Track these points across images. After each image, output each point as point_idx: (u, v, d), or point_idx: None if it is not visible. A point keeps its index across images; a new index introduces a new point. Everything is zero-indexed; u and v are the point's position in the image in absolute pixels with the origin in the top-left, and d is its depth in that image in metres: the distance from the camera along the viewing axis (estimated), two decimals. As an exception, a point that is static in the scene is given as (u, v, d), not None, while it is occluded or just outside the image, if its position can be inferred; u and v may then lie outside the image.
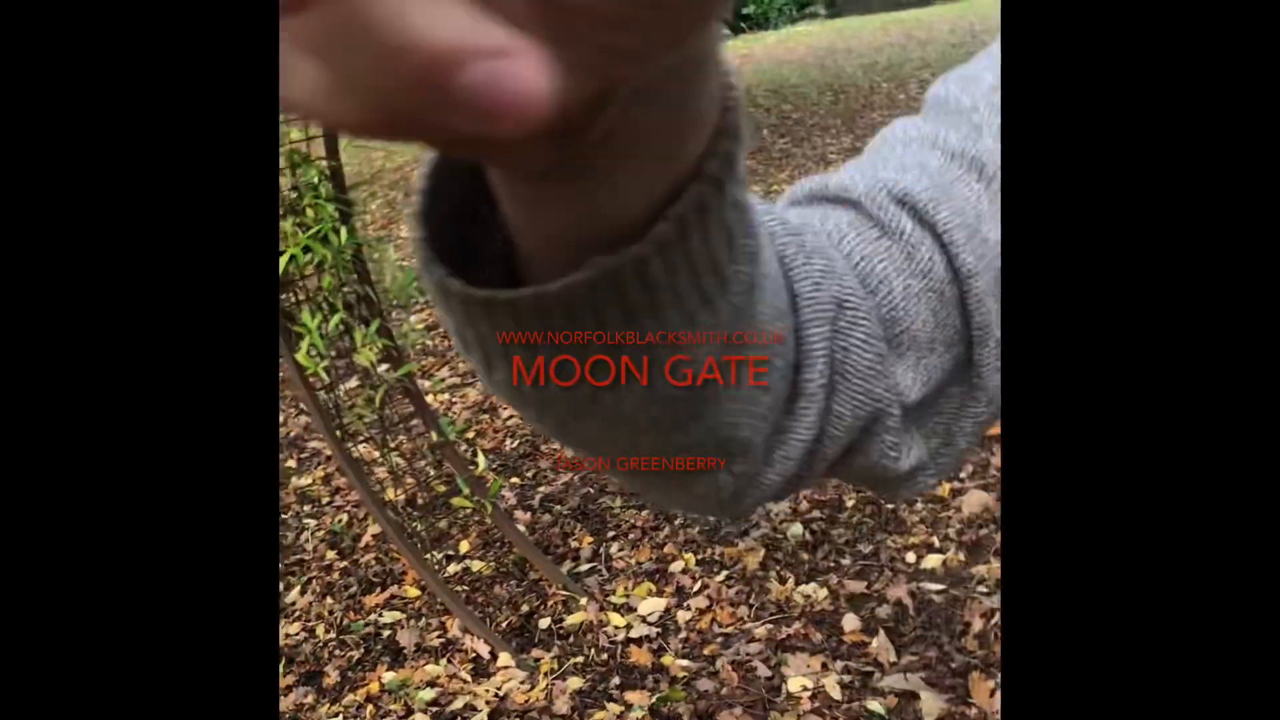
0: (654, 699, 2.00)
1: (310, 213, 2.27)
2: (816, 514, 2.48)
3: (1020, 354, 0.55)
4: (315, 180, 2.27)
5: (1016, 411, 0.54)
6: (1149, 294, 0.52)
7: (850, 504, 2.49)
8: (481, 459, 2.67)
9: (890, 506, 2.46)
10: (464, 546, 2.54)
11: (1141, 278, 0.52)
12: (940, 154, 0.53)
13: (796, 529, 2.43)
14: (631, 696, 2.03)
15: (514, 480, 2.84)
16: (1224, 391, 0.52)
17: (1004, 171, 0.49)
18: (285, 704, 2.15)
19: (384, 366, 2.39)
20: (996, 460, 2.48)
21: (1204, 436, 0.51)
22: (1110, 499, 0.55)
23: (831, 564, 2.32)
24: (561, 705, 2.02)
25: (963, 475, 2.50)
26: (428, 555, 2.40)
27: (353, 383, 2.55)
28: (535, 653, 2.18)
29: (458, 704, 2.07)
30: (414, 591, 2.44)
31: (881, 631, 2.10)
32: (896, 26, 13.42)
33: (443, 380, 3.50)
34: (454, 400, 3.33)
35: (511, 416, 3.04)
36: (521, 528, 2.51)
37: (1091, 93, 0.53)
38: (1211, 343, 0.52)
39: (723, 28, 0.29)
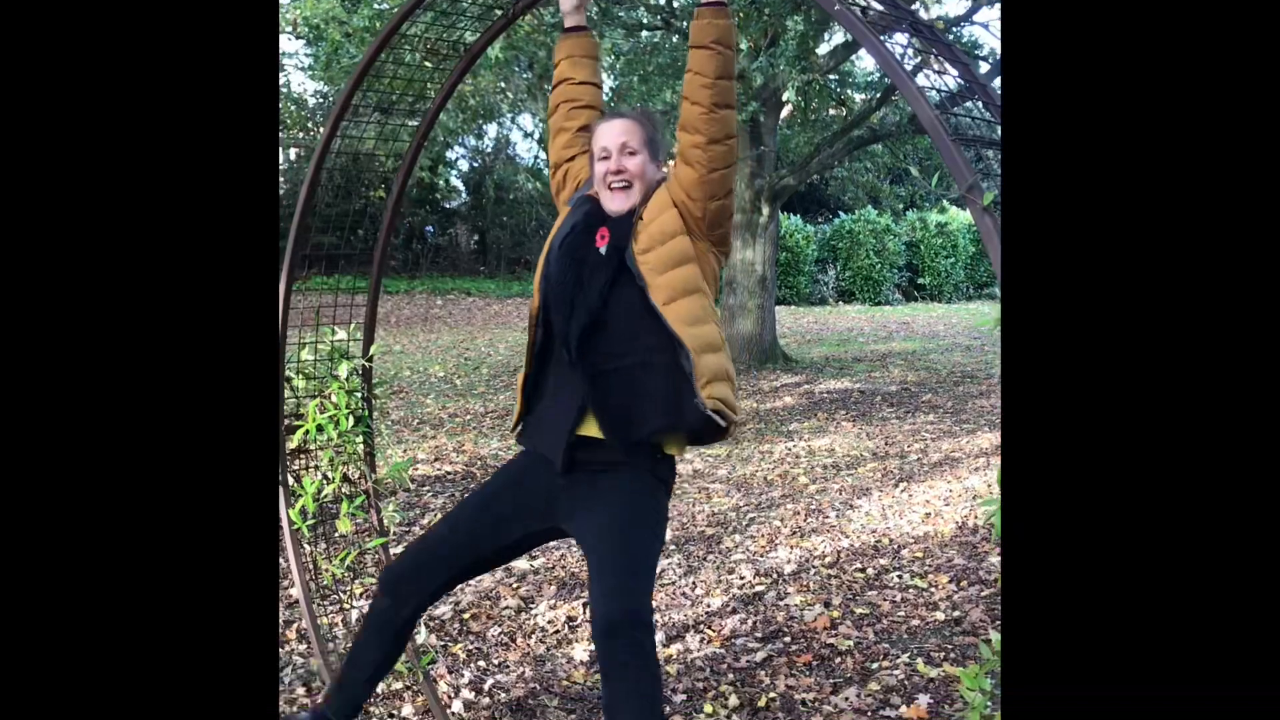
0: None
1: (335, 399, 2.69)
2: None
3: (1019, 359, 0.53)
4: (346, 374, 2.69)
5: (1016, 415, 0.55)
6: (1147, 299, 0.49)
7: None
8: (423, 630, 2.98)
9: None
10: (406, 709, 2.78)
11: (1139, 283, 0.50)
12: None
13: None
14: None
15: (478, 662, 3.10)
16: (1223, 396, 0.48)
17: (1004, 178, 0.52)
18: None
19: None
20: None
21: (1199, 442, 0.49)
22: (1108, 499, 0.53)
23: None
24: None
25: None
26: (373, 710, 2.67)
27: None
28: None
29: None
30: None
31: None
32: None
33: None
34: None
35: (498, 609, 3.34)
36: (459, 704, 2.77)
37: (1088, 101, 0.51)
38: (1209, 346, 0.49)
39: None
